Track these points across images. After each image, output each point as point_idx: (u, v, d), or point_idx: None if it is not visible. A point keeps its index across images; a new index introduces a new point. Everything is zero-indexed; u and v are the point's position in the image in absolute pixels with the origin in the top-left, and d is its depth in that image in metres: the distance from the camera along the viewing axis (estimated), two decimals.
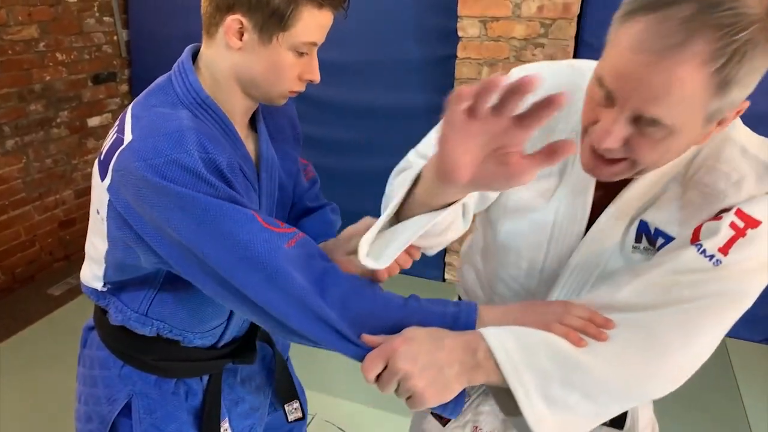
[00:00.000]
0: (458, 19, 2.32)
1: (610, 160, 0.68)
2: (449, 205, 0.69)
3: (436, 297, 0.81)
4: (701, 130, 0.65)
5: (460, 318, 0.73)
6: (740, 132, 0.74)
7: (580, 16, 2.31)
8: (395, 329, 0.71)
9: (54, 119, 2.88)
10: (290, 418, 1.17)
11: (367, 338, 0.71)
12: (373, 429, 1.94)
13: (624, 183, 0.76)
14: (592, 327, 0.70)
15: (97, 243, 0.86)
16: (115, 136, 0.81)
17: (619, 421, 0.90)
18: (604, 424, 0.87)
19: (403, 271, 0.81)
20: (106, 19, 3.08)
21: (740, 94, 0.61)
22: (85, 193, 3.12)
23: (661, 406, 2.11)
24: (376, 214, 0.77)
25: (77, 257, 3.13)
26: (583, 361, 0.68)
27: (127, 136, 0.78)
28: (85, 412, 1.00)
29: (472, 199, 0.83)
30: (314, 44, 0.84)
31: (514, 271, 0.88)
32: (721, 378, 2.23)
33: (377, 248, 0.72)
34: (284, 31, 0.80)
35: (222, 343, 1.01)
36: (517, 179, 0.61)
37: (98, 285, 0.91)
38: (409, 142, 0.94)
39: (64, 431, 1.92)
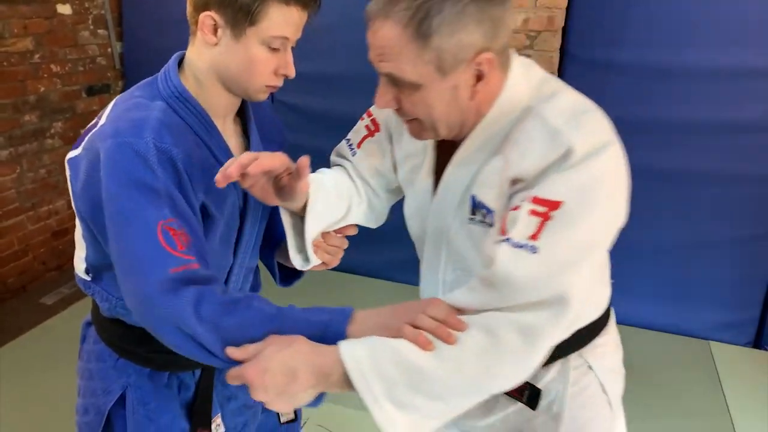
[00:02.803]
0: None
1: (409, 121, 0.85)
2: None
3: None
4: (447, 83, 0.77)
5: (331, 327, 0.77)
6: (554, 103, 0.80)
7: (564, 29, 2.39)
8: (259, 340, 0.76)
9: (48, 130, 2.91)
10: (283, 419, 1.19)
11: (230, 351, 0.75)
12: (360, 431, 1.96)
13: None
14: (442, 329, 0.74)
15: (78, 227, 0.93)
16: (94, 121, 0.89)
17: (533, 399, 0.96)
18: (520, 401, 0.97)
19: (398, 279, 0.87)
20: (100, 31, 3.12)
21: (450, 42, 0.74)
22: None
23: (646, 408, 2.16)
24: None
25: (70, 267, 3.13)
26: (427, 367, 0.72)
27: (102, 121, 0.87)
28: (83, 404, 1.03)
29: (371, 193, 1.04)
30: (285, 39, 0.87)
31: (416, 239, 1.01)
32: (706, 381, 2.28)
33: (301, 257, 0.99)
34: (253, 25, 0.84)
35: None
36: (291, 194, 0.88)
37: (83, 269, 0.96)
38: None
39: None
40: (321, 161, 1.51)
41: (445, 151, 0.90)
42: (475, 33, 0.74)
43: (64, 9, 2.90)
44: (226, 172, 0.78)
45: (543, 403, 0.97)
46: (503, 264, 0.75)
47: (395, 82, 0.79)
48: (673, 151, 2.40)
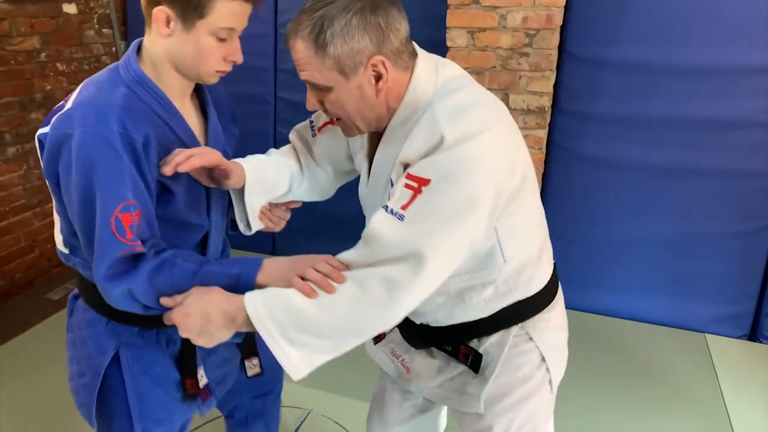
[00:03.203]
0: (447, 30, 2.41)
1: (337, 120, 1.00)
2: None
3: None
4: (351, 84, 0.91)
5: (242, 277, 0.92)
6: (447, 99, 0.93)
7: (563, 27, 2.43)
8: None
9: None
10: (249, 373, 1.28)
11: (163, 301, 0.93)
12: (363, 421, 1.99)
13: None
14: (324, 281, 0.89)
15: (54, 203, 1.03)
16: (62, 102, 0.98)
17: (475, 363, 1.09)
18: (465, 365, 1.10)
19: None
20: (105, 30, 3.16)
21: (343, 50, 0.88)
22: None
23: (643, 398, 2.19)
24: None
25: None
26: (309, 311, 0.87)
27: (68, 104, 0.95)
28: (77, 370, 1.12)
29: (316, 170, 1.20)
30: (232, 29, 0.96)
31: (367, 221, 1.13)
32: (702, 373, 2.31)
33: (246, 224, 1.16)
34: (201, 18, 0.93)
35: None
36: (222, 184, 1.07)
37: (60, 242, 1.04)
38: None
39: (66, 428, 1.97)
40: None
41: (375, 142, 1.04)
42: (363, 40, 0.88)
43: (70, 8, 2.94)
44: (162, 169, 0.96)
45: (483, 366, 1.08)
46: (376, 225, 0.90)
47: (314, 87, 0.94)
48: (668, 146, 2.43)
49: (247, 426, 1.47)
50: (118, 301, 0.94)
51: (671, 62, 2.35)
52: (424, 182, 0.87)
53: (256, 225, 1.17)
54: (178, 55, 0.97)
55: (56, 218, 1.05)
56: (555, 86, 2.51)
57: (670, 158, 2.44)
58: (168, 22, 0.94)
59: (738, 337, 2.54)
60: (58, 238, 1.06)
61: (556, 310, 1.15)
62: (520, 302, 1.07)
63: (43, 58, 2.83)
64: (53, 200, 1.02)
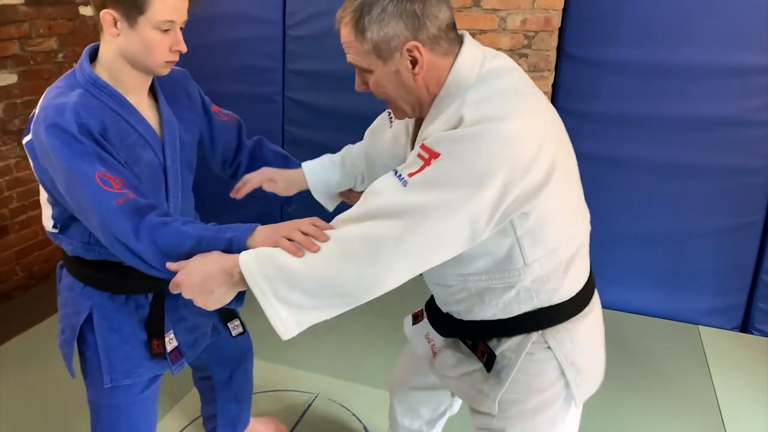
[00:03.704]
0: None
1: (387, 103, 1.05)
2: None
3: None
4: (389, 68, 0.96)
5: (234, 241, 1.00)
6: (480, 87, 0.95)
7: (561, 29, 2.51)
8: (192, 254, 1.00)
9: None
10: (233, 333, 1.46)
11: (170, 265, 1.00)
12: (370, 405, 2.09)
13: None
14: (308, 241, 0.93)
15: (41, 192, 1.18)
16: (34, 111, 1.12)
17: (489, 362, 1.10)
18: (481, 362, 1.11)
19: None
20: None
21: (380, 35, 0.93)
22: None
23: (636, 387, 2.26)
24: None
25: None
26: (295, 268, 0.91)
27: (36, 110, 1.09)
28: (61, 327, 1.29)
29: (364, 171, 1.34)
30: (172, 21, 1.08)
31: None
32: (694, 363, 2.39)
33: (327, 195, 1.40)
34: (142, 14, 1.04)
35: None
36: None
37: (50, 225, 1.19)
38: None
39: (77, 413, 2.06)
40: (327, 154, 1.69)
41: (418, 129, 1.07)
42: (398, 26, 0.92)
43: (86, 11, 3.04)
44: (232, 195, 1.32)
45: (497, 367, 1.09)
46: (379, 183, 0.94)
47: (359, 69, 1.00)
48: (662, 144, 2.50)
49: (214, 391, 1.65)
50: (118, 251, 1.04)
51: (666, 63, 2.43)
52: (434, 155, 0.89)
53: (331, 206, 1.40)
54: (129, 52, 1.08)
55: (45, 206, 1.21)
56: (554, 86, 2.59)
57: (665, 156, 2.52)
58: (115, 23, 1.06)
59: (730, 329, 2.61)
60: (48, 223, 1.22)
61: (586, 322, 1.09)
62: (542, 309, 1.04)
63: (60, 58, 2.93)
64: (43, 192, 1.17)
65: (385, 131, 1.26)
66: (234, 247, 0.99)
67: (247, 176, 1.34)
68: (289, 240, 0.93)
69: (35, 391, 2.19)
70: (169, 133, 1.21)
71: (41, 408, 2.10)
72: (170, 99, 1.24)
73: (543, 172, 0.91)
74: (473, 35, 2.65)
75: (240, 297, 1.00)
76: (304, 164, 1.37)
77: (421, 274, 1.16)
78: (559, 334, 1.06)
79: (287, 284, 0.91)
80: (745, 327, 2.61)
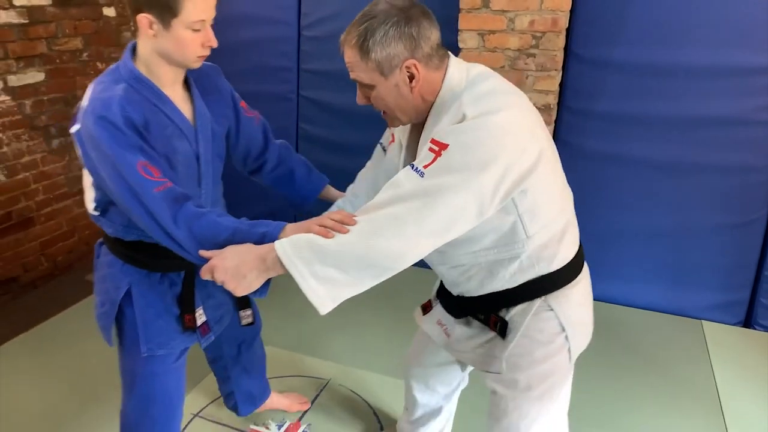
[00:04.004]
0: (459, 33, 2.58)
1: (383, 114, 1.18)
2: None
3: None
4: (389, 83, 1.09)
5: (267, 236, 1.10)
6: (473, 89, 1.09)
7: (568, 30, 2.57)
8: (225, 245, 1.09)
9: None
10: (243, 322, 1.54)
11: (203, 253, 1.10)
12: (377, 391, 2.17)
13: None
14: (338, 225, 1.05)
15: (86, 176, 1.27)
16: (81, 102, 1.20)
17: (503, 330, 1.25)
18: (494, 331, 1.26)
19: (415, 263, 1.14)
20: None
21: (382, 55, 1.06)
22: None
23: (639, 380, 2.31)
24: None
25: None
26: (328, 247, 1.02)
27: (84, 102, 1.17)
28: (100, 301, 1.39)
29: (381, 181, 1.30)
30: (203, 21, 1.17)
31: None
32: (696, 357, 2.43)
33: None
34: (176, 17, 1.13)
35: None
36: None
37: (92, 208, 1.28)
38: None
39: (101, 394, 2.17)
40: (339, 151, 1.75)
41: (416, 136, 1.21)
42: (399, 46, 1.06)
43: (109, 12, 3.16)
44: None
45: (507, 331, 1.24)
46: (400, 176, 1.07)
47: (361, 85, 1.13)
48: (666, 143, 2.55)
49: (226, 369, 1.77)
50: (158, 237, 1.14)
51: (670, 63, 2.48)
52: (443, 146, 1.02)
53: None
54: (164, 50, 1.18)
55: (88, 189, 1.29)
56: (561, 85, 2.65)
57: (669, 154, 2.57)
58: (151, 25, 1.14)
59: (733, 324, 2.65)
60: (90, 206, 1.31)
61: (579, 288, 1.27)
62: (542, 277, 1.20)
63: (85, 57, 3.06)
64: (87, 177, 1.26)
65: (383, 158, 1.42)
66: (266, 240, 1.08)
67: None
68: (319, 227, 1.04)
69: (61, 373, 2.30)
70: (201, 125, 1.30)
71: (69, 386, 2.22)
72: (202, 92, 1.33)
73: (535, 154, 1.06)
74: (482, 35, 2.73)
75: (265, 287, 1.10)
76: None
77: (430, 268, 1.30)
78: (559, 298, 1.23)
79: (322, 263, 1.02)
80: (748, 322, 2.65)
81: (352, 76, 1.12)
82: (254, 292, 1.09)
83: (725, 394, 2.20)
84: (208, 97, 1.34)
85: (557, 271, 1.21)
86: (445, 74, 1.12)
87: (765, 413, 2.10)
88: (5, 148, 2.72)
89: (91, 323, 2.59)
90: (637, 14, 2.49)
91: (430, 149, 1.04)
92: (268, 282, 1.09)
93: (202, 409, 2.08)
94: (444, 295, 1.39)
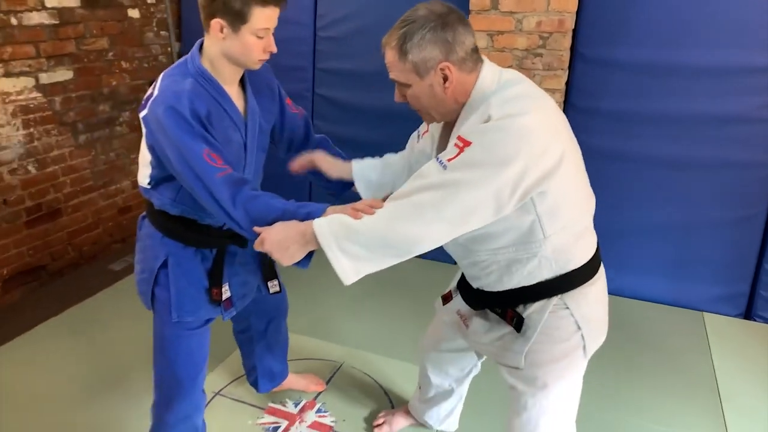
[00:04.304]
0: None
1: (418, 111, 1.26)
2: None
3: (447, 277, 1.44)
4: (425, 83, 1.17)
5: (311, 215, 1.23)
6: (502, 92, 1.16)
7: (574, 30, 2.67)
8: (275, 222, 1.23)
9: (117, 119, 3.31)
10: (271, 290, 1.70)
11: (256, 229, 1.24)
12: (388, 373, 2.28)
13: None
14: (367, 208, 1.18)
15: (144, 155, 1.39)
16: (150, 91, 1.34)
17: (519, 324, 1.31)
18: (510, 325, 1.33)
19: (422, 256, 1.25)
20: (162, 33, 3.53)
21: (419, 57, 1.14)
22: None
23: (642, 366, 2.39)
24: None
25: (132, 240, 3.53)
26: (357, 227, 1.15)
27: (155, 92, 1.30)
28: (141, 268, 1.51)
29: (414, 167, 1.39)
30: (267, 29, 1.29)
31: None
32: (697, 346, 2.51)
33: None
34: (244, 24, 1.27)
35: (224, 228, 1.50)
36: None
37: (146, 183, 1.41)
38: None
39: (126, 371, 2.30)
40: (352, 147, 1.86)
41: (448, 132, 1.28)
42: (434, 51, 1.14)
43: (134, 13, 3.30)
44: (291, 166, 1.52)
45: (524, 328, 1.31)
46: (424, 167, 1.16)
47: (399, 84, 1.22)
48: (669, 140, 2.64)
49: (252, 343, 1.91)
50: (218, 214, 1.27)
51: (673, 63, 2.56)
52: (467, 143, 1.10)
53: (368, 196, 1.53)
54: (230, 52, 1.31)
55: (143, 167, 1.42)
56: (567, 84, 2.75)
57: (672, 151, 2.65)
58: (222, 29, 1.28)
59: (734, 316, 2.73)
60: (144, 180, 1.43)
61: (596, 287, 1.31)
62: (560, 276, 1.25)
63: (110, 56, 3.20)
64: (147, 155, 1.38)
65: (415, 144, 1.50)
66: (310, 219, 1.21)
67: (308, 154, 1.56)
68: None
69: (89, 353, 2.43)
70: (251, 119, 1.43)
71: (97, 365, 2.35)
72: (254, 90, 1.46)
73: (555, 158, 1.11)
74: (491, 36, 2.84)
75: (306, 260, 1.24)
76: (354, 161, 1.58)
77: (440, 261, 1.39)
78: (575, 296, 1.28)
79: (350, 240, 1.14)
80: (748, 314, 2.72)
81: (391, 75, 1.21)
82: (298, 263, 1.23)
83: (724, 383, 2.28)
84: (259, 95, 1.47)
85: (574, 270, 1.26)
86: (477, 78, 1.19)
87: (762, 400, 2.18)
88: (36, 143, 2.87)
89: (114, 310, 2.76)
90: (640, 15, 2.58)
91: (455, 145, 1.11)
92: (310, 256, 1.23)
93: (223, 388, 2.20)
94: (464, 287, 1.46)
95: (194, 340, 1.52)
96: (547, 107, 1.17)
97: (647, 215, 2.77)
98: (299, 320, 2.57)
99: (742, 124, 2.54)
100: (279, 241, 1.20)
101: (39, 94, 2.84)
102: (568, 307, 1.28)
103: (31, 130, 2.83)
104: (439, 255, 1.42)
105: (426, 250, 1.14)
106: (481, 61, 1.21)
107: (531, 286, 1.27)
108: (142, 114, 1.32)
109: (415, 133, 1.52)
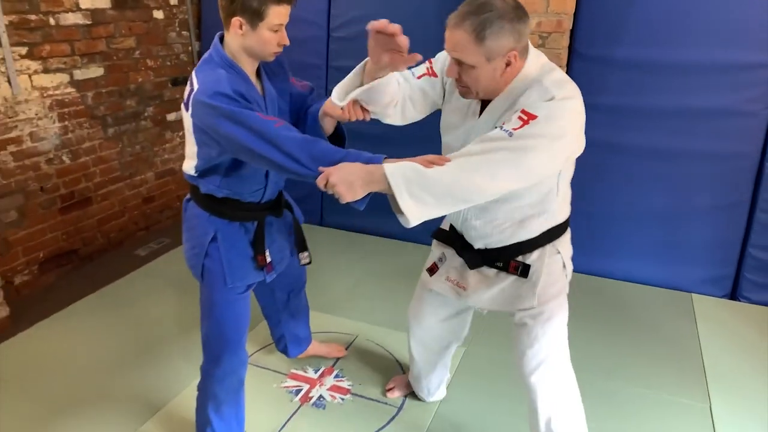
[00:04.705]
0: None
1: (463, 87, 1.38)
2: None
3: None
4: (490, 66, 1.30)
5: (373, 160, 1.33)
6: (549, 76, 1.34)
7: (572, 30, 2.86)
8: (338, 163, 1.31)
9: (143, 113, 3.52)
10: (302, 262, 1.87)
11: (322, 168, 1.31)
12: (399, 344, 2.47)
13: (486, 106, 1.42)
14: (439, 159, 1.30)
15: (190, 147, 1.55)
16: (189, 87, 1.49)
17: (524, 272, 1.53)
18: (515, 274, 1.55)
19: (427, 242, 1.41)
20: (183, 33, 3.73)
21: (495, 44, 1.27)
22: (164, 175, 3.75)
23: (633, 343, 2.59)
24: None
25: (155, 228, 3.75)
26: (428, 174, 1.26)
27: (195, 86, 1.45)
28: (190, 245, 1.70)
29: (408, 103, 1.55)
30: (281, 24, 1.46)
31: (447, 147, 1.56)
32: (684, 323, 2.70)
33: (342, 95, 1.45)
34: (262, 21, 1.44)
35: (263, 202, 1.70)
36: (396, 65, 1.36)
37: (192, 172, 1.60)
38: (430, 134, 1.67)
39: (155, 344, 2.52)
40: (361, 139, 2.03)
41: (483, 105, 1.45)
42: (510, 39, 1.28)
43: (158, 14, 3.51)
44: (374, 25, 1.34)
45: (529, 273, 1.53)
46: (491, 133, 1.31)
47: (460, 63, 1.33)
48: (662, 132, 2.82)
49: (278, 313, 2.12)
50: (282, 161, 1.37)
51: (666, 61, 2.75)
52: (532, 117, 1.27)
53: (339, 101, 1.47)
54: (249, 46, 1.48)
55: (190, 158, 1.59)
56: None
57: (664, 142, 2.84)
58: (241, 26, 1.45)
59: (721, 297, 2.91)
60: (191, 170, 1.60)
61: (567, 233, 1.61)
62: (556, 226, 1.53)
63: (137, 55, 3.41)
64: (194, 146, 1.55)
65: (412, 79, 1.57)
66: (372, 162, 1.32)
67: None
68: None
69: (121, 328, 2.64)
70: (270, 102, 1.62)
71: (129, 338, 2.56)
72: (271, 73, 1.65)
73: (583, 134, 1.37)
74: None
75: (364, 200, 1.32)
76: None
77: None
78: (562, 241, 1.57)
79: (419, 185, 1.25)
80: (733, 295, 2.91)
81: (454, 55, 1.31)
82: (356, 203, 1.32)
83: (708, 354, 2.47)
84: (274, 79, 1.66)
85: (563, 222, 1.55)
86: (525, 63, 1.35)
87: (745, 374, 2.37)
88: (70, 135, 3.07)
89: (140, 291, 2.98)
90: (635, 16, 2.76)
91: (520, 117, 1.27)
92: (367, 197, 1.32)
93: (250, 356, 2.39)
94: (465, 250, 1.63)
95: (240, 304, 1.70)
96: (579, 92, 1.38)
97: (640, 202, 2.96)
98: (318, 300, 2.77)
99: (730, 118, 2.72)
100: (345, 176, 1.27)
101: (73, 89, 3.05)
102: (559, 252, 1.55)
103: (66, 122, 3.04)
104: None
105: (482, 201, 1.33)
106: (528, 47, 1.37)
107: (533, 238, 1.51)
108: (187, 110, 1.47)
109: (408, 72, 1.56)
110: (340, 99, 1.46)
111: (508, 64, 1.31)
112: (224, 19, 1.48)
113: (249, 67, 1.54)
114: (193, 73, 1.50)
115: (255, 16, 1.43)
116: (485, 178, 1.26)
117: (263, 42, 1.47)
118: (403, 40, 1.29)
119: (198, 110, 1.44)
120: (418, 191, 1.26)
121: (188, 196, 1.72)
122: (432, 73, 1.58)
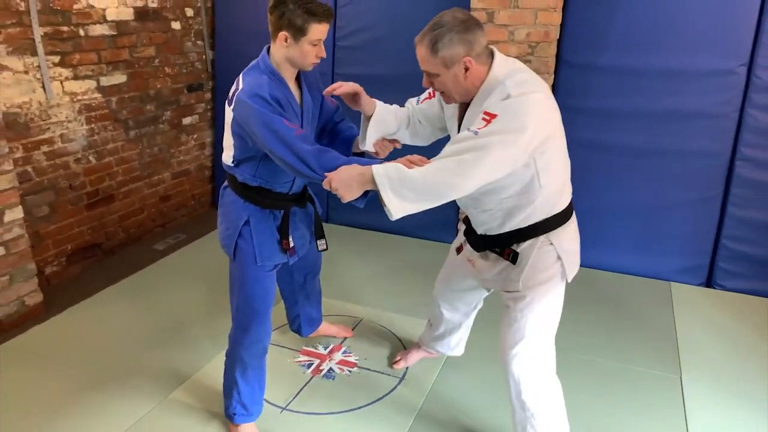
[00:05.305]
0: None
1: (441, 93, 1.59)
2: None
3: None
4: (451, 72, 1.50)
5: (369, 163, 1.51)
6: (513, 78, 1.49)
7: (559, 40, 3.11)
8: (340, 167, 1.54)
9: (161, 117, 3.77)
10: (320, 248, 2.09)
11: (326, 174, 1.54)
12: (402, 326, 2.72)
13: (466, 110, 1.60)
14: (419, 161, 1.51)
15: (228, 139, 1.79)
16: (234, 87, 1.70)
17: (515, 258, 1.70)
18: (508, 260, 1.73)
19: (424, 236, 1.68)
20: (198, 42, 3.99)
21: (448, 53, 1.47)
22: (179, 175, 3.99)
23: (614, 326, 2.84)
24: None
25: (172, 225, 3.99)
26: (408, 173, 1.46)
27: (240, 86, 1.67)
28: (226, 227, 1.92)
29: (416, 123, 1.87)
30: (320, 39, 1.68)
31: None
32: (662, 310, 2.92)
33: (362, 140, 1.86)
34: (304, 36, 1.65)
35: (290, 193, 1.91)
36: (356, 102, 1.82)
37: (230, 162, 1.83)
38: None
39: (179, 330, 2.77)
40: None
41: (463, 110, 1.65)
42: (460, 48, 1.48)
43: (176, 25, 3.77)
44: (326, 91, 1.83)
45: (519, 260, 1.71)
46: (460, 135, 1.49)
47: (428, 74, 1.55)
48: (641, 132, 3.06)
49: (295, 294, 2.36)
50: (297, 165, 1.61)
51: (645, 67, 2.99)
52: (493, 116, 1.42)
53: (369, 145, 1.86)
54: (291, 57, 1.71)
55: (228, 149, 1.82)
56: (553, 87, 3.18)
57: (644, 142, 3.08)
58: (286, 39, 1.67)
59: (697, 285, 3.15)
60: (229, 160, 1.84)
61: (570, 229, 1.69)
62: (547, 219, 1.61)
63: (156, 63, 3.66)
64: (230, 140, 1.79)
65: (414, 105, 1.90)
66: (365, 166, 1.52)
67: (339, 83, 1.81)
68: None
69: (146, 313, 2.87)
70: (306, 109, 1.82)
71: (154, 322, 2.79)
72: (309, 84, 1.86)
73: (553, 124, 1.51)
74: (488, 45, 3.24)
75: (362, 199, 1.55)
76: (377, 102, 1.86)
77: (437, 242, 1.80)
78: (556, 235, 1.66)
79: (401, 183, 1.45)
80: (709, 283, 3.14)
81: (423, 67, 1.53)
82: (355, 201, 1.54)
83: (681, 334, 2.69)
84: (311, 88, 1.88)
85: (556, 215, 1.63)
86: (490, 68, 1.51)
87: (716, 350, 2.59)
88: (96, 136, 3.32)
89: (158, 284, 3.24)
90: (617, 27, 3.01)
91: (483, 118, 1.42)
92: (365, 196, 1.54)
93: None
94: (471, 234, 1.82)
95: (268, 280, 1.93)
96: (545, 89, 1.52)
97: (622, 196, 3.19)
98: (327, 287, 3.01)
99: (704, 119, 2.96)
100: (343, 179, 1.50)
101: (99, 95, 3.30)
102: (552, 243, 1.64)
103: (92, 125, 3.28)
104: (448, 238, 1.81)
105: (457, 197, 1.49)
106: (493, 54, 1.54)
107: (524, 228, 1.63)
108: (230, 105, 1.69)
109: (413, 99, 1.90)
110: (364, 144, 1.85)
111: (467, 69, 1.49)
112: (272, 33, 1.69)
113: (289, 75, 1.76)
114: (241, 75, 1.73)
115: (298, 32, 1.64)
116: (457, 177, 1.43)
117: (304, 54, 1.68)
118: (340, 90, 1.77)
119: (238, 107, 1.66)
120: (399, 188, 1.45)
121: (225, 183, 1.95)
122: (432, 95, 1.85)
